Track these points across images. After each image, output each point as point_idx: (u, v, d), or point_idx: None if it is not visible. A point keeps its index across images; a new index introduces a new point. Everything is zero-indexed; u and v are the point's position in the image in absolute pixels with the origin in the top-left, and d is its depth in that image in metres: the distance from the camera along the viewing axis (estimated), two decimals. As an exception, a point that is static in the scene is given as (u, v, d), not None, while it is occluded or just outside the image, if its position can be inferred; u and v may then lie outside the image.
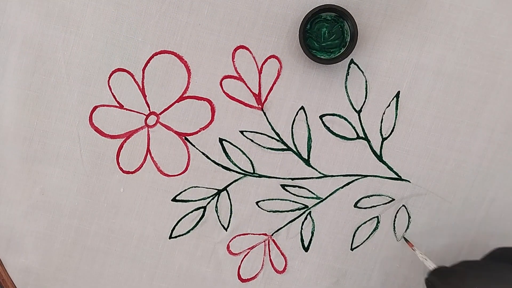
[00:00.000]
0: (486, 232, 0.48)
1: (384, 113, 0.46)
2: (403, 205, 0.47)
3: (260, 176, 0.47)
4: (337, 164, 0.47)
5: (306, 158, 0.47)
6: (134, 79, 0.46)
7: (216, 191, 0.47)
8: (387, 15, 0.45)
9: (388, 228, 0.48)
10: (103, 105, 0.46)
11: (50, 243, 0.48)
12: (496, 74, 0.46)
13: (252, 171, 0.47)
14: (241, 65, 0.46)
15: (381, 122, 0.46)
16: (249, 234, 0.48)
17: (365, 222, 0.48)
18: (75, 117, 0.46)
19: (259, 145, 0.47)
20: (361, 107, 0.46)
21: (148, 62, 0.45)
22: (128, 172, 0.47)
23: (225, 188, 0.47)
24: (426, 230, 0.48)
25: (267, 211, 0.48)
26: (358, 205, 0.48)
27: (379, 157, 0.47)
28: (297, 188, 0.47)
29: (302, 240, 0.48)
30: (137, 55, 0.45)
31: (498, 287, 0.36)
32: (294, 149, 0.47)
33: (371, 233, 0.48)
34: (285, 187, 0.47)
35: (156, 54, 0.45)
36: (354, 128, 0.47)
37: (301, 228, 0.48)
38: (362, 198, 0.47)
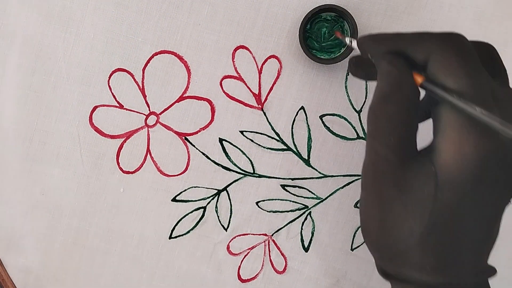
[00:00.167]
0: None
1: (384, 113, 0.46)
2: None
3: (260, 176, 0.47)
4: (337, 164, 0.47)
5: (306, 158, 0.47)
6: (134, 79, 0.46)
7: (216, 191, 0.47)
8: (387, 15, 0.45)
9: (388, 228, 0.48)
10: (103, 105, 0.46)
11: (50, 243, 0.48)
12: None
13: (252, 171, 0.47)
14: (241, 65, 0.46)
15: (381, 122, 0.46)
16: (249, 234, 0.48)
17: (365, 222, 0.48)
18: (75, 117, 0.46)
19: (259, 145, 0.47)
20: (361, 107, 0.46)
21: (148, 62, 0.45)
22: (128, 172, 0.47)
23: (225, 188, 0.47)
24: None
25: (267, 211, 0.48)
26: (358, 205, 0.47)
27: (379, 157, 0.47)
28: (297, 188, 0.47)
29: (302, 240, 0.48)
30: (137, 55, 0.45)
31: None
32: (294, 149, 0.47)
33: (371, 233, 0.48)
34: (285, 187, 0.47)
35: (156, 54, 0.45)
36: (354, 128, 0.47)
37: (301, 228, 0.48)
38: (362, 198, 0.47)
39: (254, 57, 0.46)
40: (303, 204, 0.48)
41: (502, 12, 0.45)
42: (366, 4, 0.45)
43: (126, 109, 0.46)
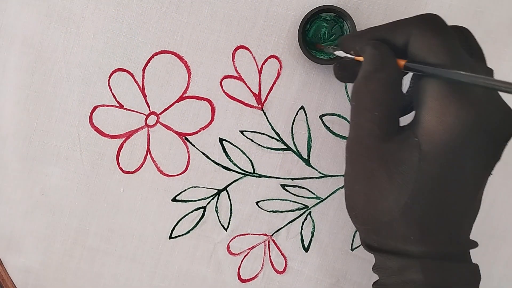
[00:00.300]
0: (485, 233, 0.48)
1: (384, 113, 0.46)
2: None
3: (260, 176, 0.47)
4: (337, 164, 0.47)
5: (306, 158, 0.47)
6: (134, 79, 0.46)
7: (216, 191, 0.47)
8: (387, 15, 0.45)
9: (388, 228, 0.48)
10: (103, 105, 0.46)
11: (50, 243, 0.48)
12: (496, 74, 0.46)
13: (252, 171, 0.47)
14: (241, 65, 0.46)
15: (381, 122, 0.46)
16: (249, 234, 0.48)
17: (365, 222, 0.48)
18: (75, 117, 0.46)
19: (259, 145, 0.47)
20: (361, 107, 0.46)
21: (148, 62, 0.46)
22: (128, 172, 0.47)
23: (225, 188, 0.47)
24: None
25: (267, 211, 0.48)
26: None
27: (379, 157, 0.47)
28: (297, 188, 0.47)
29: (302, 240, 0.48)
30: (137, 55, 0.45)
31: None
32: (294, 149, 0.47)
33: (371, 233, 0.48)
34: (285, 187, 0.47)
35: (156, 54, 0.45)
36: (354, 128, 0.47)
37: (301, 228, 0.48)
38: (362, 198, 0.47)
39: (254, 57, 0.46)
40: (303, 204, 0.48)
41: (502, 12, 0.45)
42: (366, 4, 0.45)
43: (126, 109, 0.46)
